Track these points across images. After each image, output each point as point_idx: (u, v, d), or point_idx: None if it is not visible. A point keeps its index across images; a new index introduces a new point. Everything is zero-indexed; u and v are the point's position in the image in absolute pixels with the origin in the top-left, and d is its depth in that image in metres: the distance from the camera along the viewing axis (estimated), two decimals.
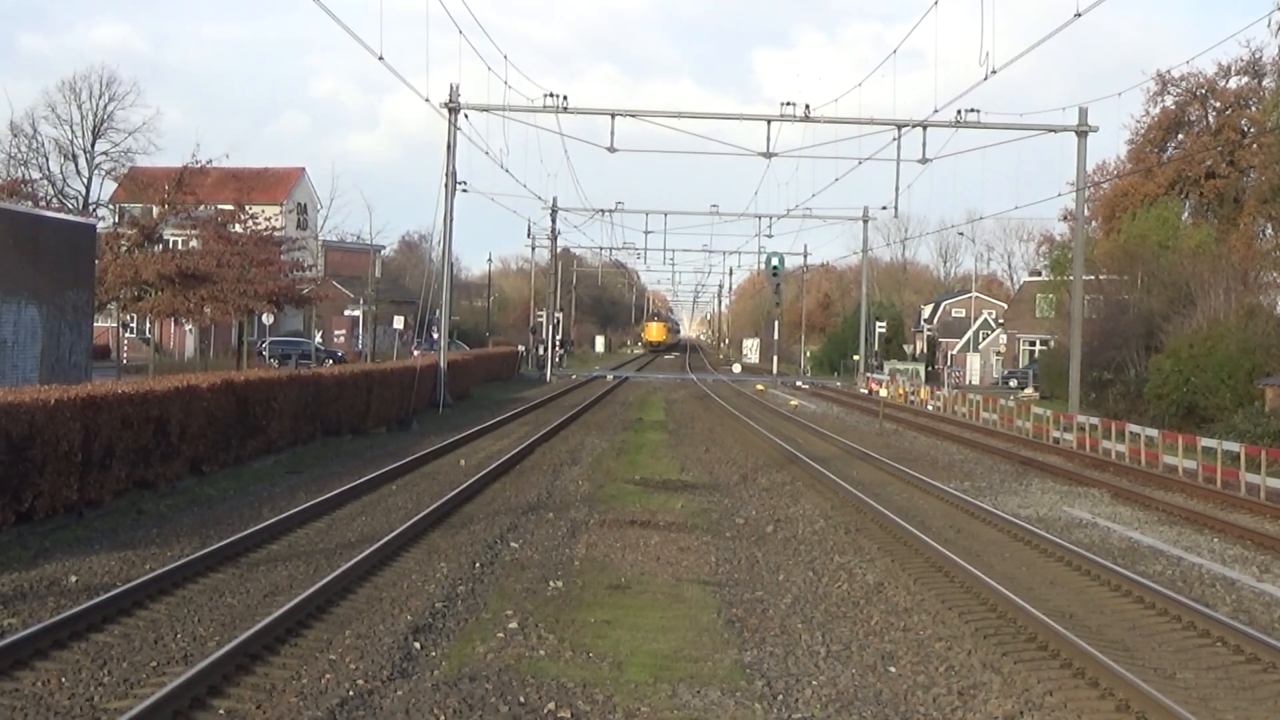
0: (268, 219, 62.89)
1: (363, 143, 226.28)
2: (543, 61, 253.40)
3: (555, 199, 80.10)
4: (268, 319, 57.22)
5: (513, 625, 13.05)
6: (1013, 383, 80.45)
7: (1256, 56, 67.12)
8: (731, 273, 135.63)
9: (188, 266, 49.86)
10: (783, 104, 44.20)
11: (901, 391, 64.44)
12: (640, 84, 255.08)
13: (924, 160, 44.98)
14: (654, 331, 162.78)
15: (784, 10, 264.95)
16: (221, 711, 9.98)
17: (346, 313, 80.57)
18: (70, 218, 43.82)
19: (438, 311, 51.65)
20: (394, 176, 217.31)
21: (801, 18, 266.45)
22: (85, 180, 70.52)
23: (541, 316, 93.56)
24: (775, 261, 77.63)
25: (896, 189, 49.84)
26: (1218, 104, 70.13)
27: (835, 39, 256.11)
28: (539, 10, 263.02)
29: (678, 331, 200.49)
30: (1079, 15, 27.08)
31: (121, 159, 71.00)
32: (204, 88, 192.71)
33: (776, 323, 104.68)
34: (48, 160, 69.49)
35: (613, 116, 45.45)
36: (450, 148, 46.06)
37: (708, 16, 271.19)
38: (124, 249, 50.16)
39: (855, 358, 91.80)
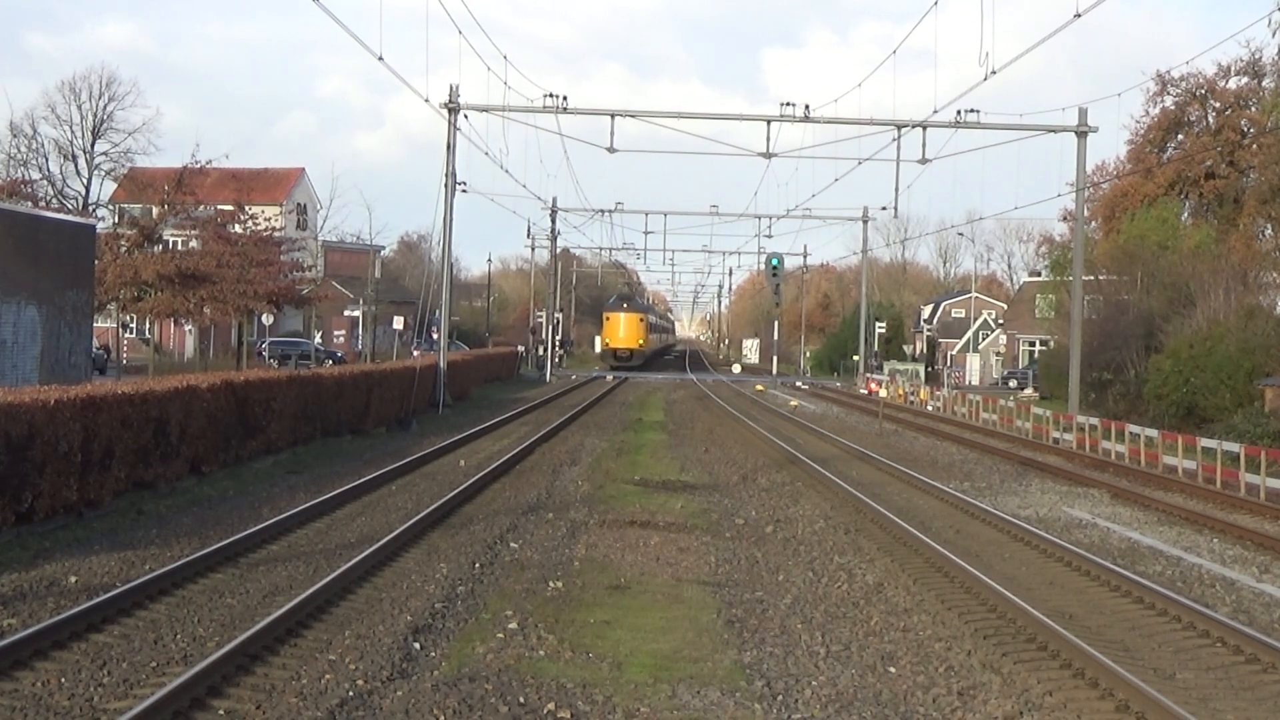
0: (267, 219, 62.92)
1: (368, 143, 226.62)
2: (550, 61, 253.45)
3: (555, 199, 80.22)
4: (267, 319, 57.24)
5: (512, 625, 13.05)
6: (1012, 383, 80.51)
7: (1256, 57, 67.15)
8: (731, 273, 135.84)
9: (187, 267, 49.86)
10: (782, 104, 44.25)
11: (901, 392, 64.44)
12: (647, 84, 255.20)
13: (924, 160, 45.01)
14: (620, 329, 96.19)
15: (794, 10, 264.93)
16: (221, 712, 9.98)
17: (346, 313, 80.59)
18: (70, 218, 43.81)
19: (437, 312, 51.66)
20: (399, 176, 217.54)
21: (812, 17, 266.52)
22: (85, 180, 70.48)
23: (541, 317, 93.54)
24: (775, 262, 77.61)
25: (896, 189, 49.93)
26: (1217, 104, 70.09)
27: (845, 39, 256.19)
28: (547, 9, 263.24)
29: (669, 330, 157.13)
30: (1079, 16, 27.13)
31: (121, 159, 70.96)
32: (210, 87, 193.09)
33: (776, 323, 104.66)
34: (48, 160, 69.43)
35: (613, 117, 45.46)
36: (450, 148, 46.09)
37: (717, 16, 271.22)
38: (124, 249, 50.16)
39: (855, 358, 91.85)
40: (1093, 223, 71.88)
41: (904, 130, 45.69)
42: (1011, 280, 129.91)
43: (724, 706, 10.68)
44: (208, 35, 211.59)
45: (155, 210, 54.32)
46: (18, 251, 29.21)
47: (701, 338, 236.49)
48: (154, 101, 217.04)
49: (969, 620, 14.12)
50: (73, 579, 14.22)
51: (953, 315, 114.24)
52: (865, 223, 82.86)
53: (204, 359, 63.16)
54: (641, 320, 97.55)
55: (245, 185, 61.24)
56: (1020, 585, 16.05)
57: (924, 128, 44.68)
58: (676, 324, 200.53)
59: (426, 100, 40.69)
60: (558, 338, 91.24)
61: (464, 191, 48.57)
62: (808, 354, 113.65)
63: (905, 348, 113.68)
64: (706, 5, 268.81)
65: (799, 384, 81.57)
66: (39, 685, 10.38)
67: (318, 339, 77.41)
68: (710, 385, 73.45)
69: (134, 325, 67.03)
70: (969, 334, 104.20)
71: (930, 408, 57.97)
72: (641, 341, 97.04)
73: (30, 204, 50.38)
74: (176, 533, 17.40)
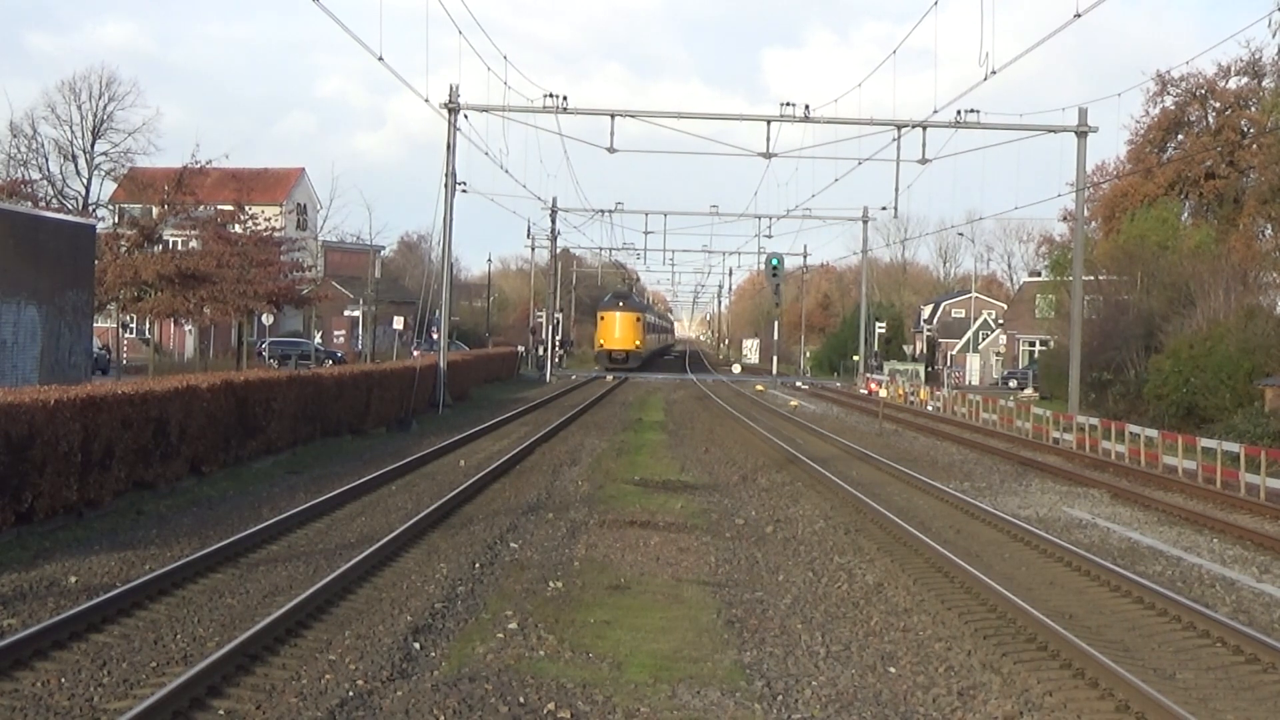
0: (267, 219, 62.93)
1: (368, 142, 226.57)
2: (550, 61, 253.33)
3: (555, 199, 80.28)
4: (267, 319, 57.26)
5: (512, 626, 13.05)
6: (1012, 383, 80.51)
7: (1256, 57, 67.15)
8: (731, 273, 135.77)
9: (187, 267, 49.90)
10: (782, 104, 44.25)
11: (901, 392, 64.45)
12: (648, 84, 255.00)
13: (924, 160, 45.02)
14: (615, 329, 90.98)
15: (795, 9, 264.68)
16: (221, 712, 9.98)
17: (346, 313, 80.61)
18: (70, 218, 43.81)
19: (437, 312, 51.67)
20: (400, 176, 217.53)
21: (812, 17, 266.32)
22: (85, 180, 70.43)
23: (541, 317, 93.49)
24: (775, 262, 77.59)
25: (896, 189, 49.95)
26: (1217, 104, 70.09)
27: (846, 39, 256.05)
28: (547, 9, 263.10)
29: (668, 330, 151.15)
30: (1079, 16, 27.14)
31: (121, 159, 70.94)
32: (211, 87, 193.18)
33: (776, 323, 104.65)
34: (48, 160, 69.38)
35: (612, 117, 45.46)
36: (450, 148, 46.10)
37: (717, 15, 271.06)
38: (124, 249, 50.19)
39: (855, 358, 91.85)
40: (1093, 223, 71.88)
41: (904, 130, 45.70)
42: (1011, 280, 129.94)
43: (724, 706, 10.68)
44: (208, 35, 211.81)
45: (155, 210, 54.35)
46: (18, 251, 29.21)
47: (701, 338, 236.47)
48: (154, 101, 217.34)
49: (969, 620, 14.12)
50: (73, 579, 14.22)
51: (953, 315, 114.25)
52: (865, 223, 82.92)
53: (204, 359, 63.17)
54: (638, 320, 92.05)
55: (245, 185, 61.26)
56: (1020, 585, 16.05)
57: (924, 128, 44.69)
58: (676, 324, 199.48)
59: (426, 100, 40.75)
60: (558, 338, 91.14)
61: (464, 191, 48.63)
62: (808, 354, 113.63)
63: (905, 348, 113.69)
64: (707, 5, 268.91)
65: (799, 384, 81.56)
66: (39, 685, 10.38)
67: (318, 339, 77.43)
68: (710, 385, 73.45)
69: (134, 325, 67.02)
70: (969, 334, 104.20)
71: (930, 408, 57.97)
72: (638, 342, 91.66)
73: (30, 204, 50.38)
74: (176, 533, 17.40)
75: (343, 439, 31.77)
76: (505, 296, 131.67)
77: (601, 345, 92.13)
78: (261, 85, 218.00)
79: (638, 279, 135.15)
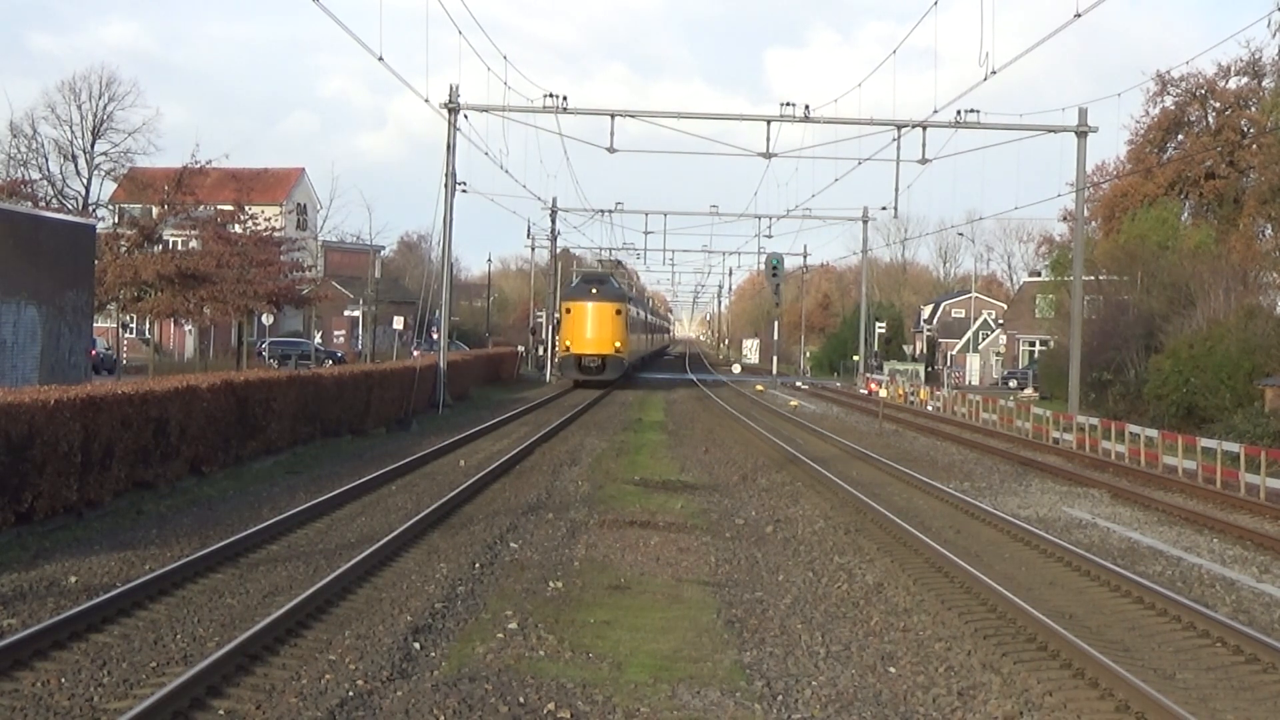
0: (267, 219, 62.96)
1: (370, 142, 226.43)
2: (552, 60, 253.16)
3: (555, 199, 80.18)
4: (267, 319, 57.30)
5: (512, 626, 13.05)
6: (1012, 383, 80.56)
7: (1256, 57, 67.21)
8: (731, 273, 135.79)
9: (187, 267, 49.93)
10: (783, 104, 44.23)
11: (901, 392, 64.45)
12: (650, 83, 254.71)
13: (924, 160, 45.00)
14: (586, 326, 63.67)
15: (797, 9, 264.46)
16: (221, 712, 9.98)
17: (346, 313, 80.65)
18: (70, 218, 43.82)
19: (437, 312, 51.68)
20: (402, 176, 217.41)
21: (815, 17, 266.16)
22: (85, 180, 70.49)
23: (541, 317, 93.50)
24: (775, 262, 77.55)
25: (896, 189, 49.88)
26: (1217, 104, 70.12)
27: (849, 39, 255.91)
28: (548, 9, 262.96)
29: (663, 329, 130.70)
30: (1079, 15, 27.15)
31: (121, 159, 71.00)
32: (212, 87, 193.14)
33: (776, 323, 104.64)
34: (47, 160, 69.46)
35: (612, 117, 45.45)
36: (450, 148, 46.09)
37: (720, 15, 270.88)
38: (124, 249, 50.21)
39: (855, 358, 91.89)
40: (1093, 223, 71.90)
41: (904, 130, 45.68)
42: (1011, 280, 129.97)
43: (724, 706, 10.68)
44: (209, 35, 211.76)
45: (155, 210, 54.41)
46: (18, 251, 29.22)
47: (701, 338, 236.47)
48: (155, 101, 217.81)
49: (969, 620, 14.12)
50: (73, 579, 14.22)
51: (953, 315, 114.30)
52: (865, 223, 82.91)
53: (204, 359, 63.19)
54: (618, 313, 64.23)
55: (245, 185, 61.27)
56: (1020, 585, 16.05)
57: (924, 128, 44.67)
58: (676, 324, 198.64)
59: (426, 100, 40.66)
60: (558, 338, 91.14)
61: (464, 191, 48.63)
62: (808, 354, 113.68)
63: (905, 348, 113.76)
64: (709, 4, 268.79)
65: (799, 384, 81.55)
66: (39, 685, 10.38)
67: (318, 339, 77.44)
68: (710, 385, 73.45)
69: (134, 325, 67.05)
70: (969, 334, 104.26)
71: (930, 408, 57.96)
72: (618, 344, 63.95)
73: (30, 204, 50.39)
74: (176, 533, 17.40)
75: (343, 439, 31.76)
76: (505, 296, 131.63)
77: (568, 348, 64.31)
78: (263, 85, 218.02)
79: (637, 279, 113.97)
